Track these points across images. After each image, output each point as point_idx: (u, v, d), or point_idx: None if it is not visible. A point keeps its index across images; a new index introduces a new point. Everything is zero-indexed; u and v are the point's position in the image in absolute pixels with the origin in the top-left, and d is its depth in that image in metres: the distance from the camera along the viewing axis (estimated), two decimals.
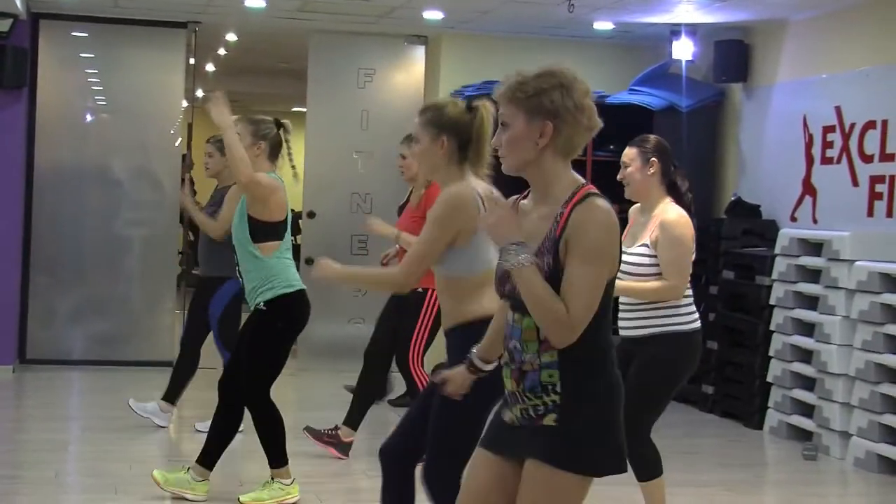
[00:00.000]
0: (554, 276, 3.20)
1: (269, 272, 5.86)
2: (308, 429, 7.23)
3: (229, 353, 7.59)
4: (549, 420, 3.25)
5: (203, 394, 8.13)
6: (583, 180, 3.33)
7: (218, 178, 7.88)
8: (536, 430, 3.27)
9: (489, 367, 3.78)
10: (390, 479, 4.46)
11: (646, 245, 5.33)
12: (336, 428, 7.24)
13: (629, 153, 5.50)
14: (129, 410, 7.98)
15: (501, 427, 3.42)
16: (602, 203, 3.24)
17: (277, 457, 6.05)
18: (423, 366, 7.13)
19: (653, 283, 5.29)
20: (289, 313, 5.93)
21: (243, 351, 5.98)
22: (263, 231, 5.87)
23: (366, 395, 7.38)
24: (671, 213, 5.36)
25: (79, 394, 9.67)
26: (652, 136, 5.59)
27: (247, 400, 6.00)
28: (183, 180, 8.49)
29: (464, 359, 3.86)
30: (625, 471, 3.34)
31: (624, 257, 5.34)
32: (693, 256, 5.42)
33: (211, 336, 7.77)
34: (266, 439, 6.05)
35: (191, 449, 7.58)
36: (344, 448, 7.17)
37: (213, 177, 7.93)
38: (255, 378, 5.95)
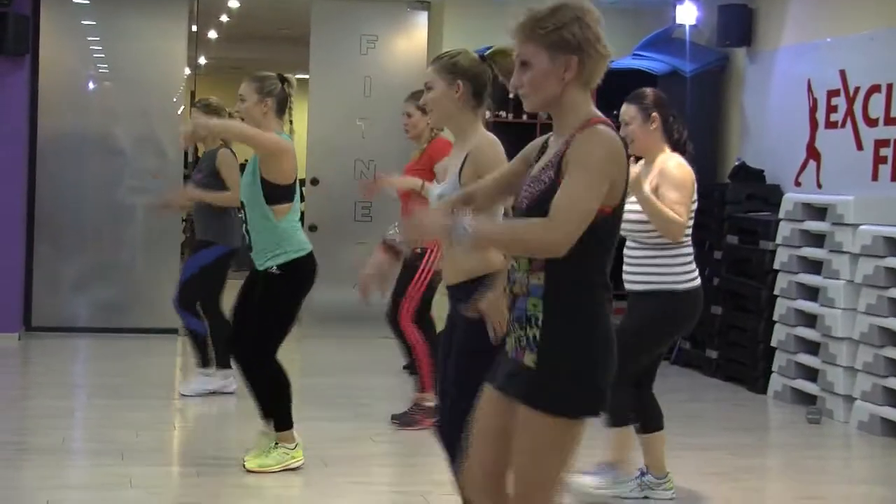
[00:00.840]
0: (552, 190, 3.18)
1: (281, 236, 5.87)
2: (396, 417, 7.17)
3: (189, 314, 7.67)
4: (529, 360, 3.24)
5: (188, 359, 8.10)
6: (599, 113, 3.31)
7: (203, 143, 7.95)
8: (519, 369, 3.27)
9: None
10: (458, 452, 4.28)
11: None
12: (416, 404, 7.18)
13: (629, 111, 5.55)
14: (134, 377, 8.04)
15: (502, 360, 3.42)
16: (606, 130, 3.22)
17: (283, 419, 6.06)
18: (413, 322, 7.13)
19: (665, 208, 5.32)
20: (301, 277, 5.94)
21: (254, 312, 6.00)
22: (277, 193, 5.86)
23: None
24: (671, 161, 5.46)
25: (84, 361, 9.70)
26: (648, 90, 5.65)
27: (255, 360, 6.02)
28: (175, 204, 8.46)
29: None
30: (598, 415, 3.32)
31: (626, 207, 5.41)
32: (695, 205, 5.49)
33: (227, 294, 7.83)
34: (273, 401, 6.06)
35: (195, 414, 7.61)
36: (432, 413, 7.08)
37: (199, 140, 7.98)
38: (265, 339, 5.97)
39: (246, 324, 6.04)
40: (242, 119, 6.05)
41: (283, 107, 6.02)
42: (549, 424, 3.21)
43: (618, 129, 3.38)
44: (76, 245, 10.49)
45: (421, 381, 7.21)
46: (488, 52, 4.38)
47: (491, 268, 4.11)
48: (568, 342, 3.22)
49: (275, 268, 5.87)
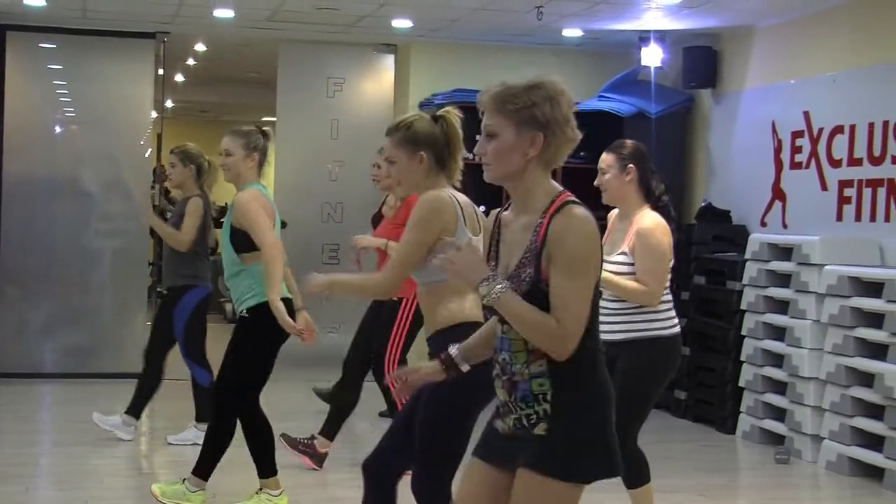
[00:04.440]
0: (536, 288, 3.21)
1: (252, 280, 5.86)
2: (284, 436, 7.17)
3: (197, 365, 7.59)
4: (540, 430, 3.26)
5: (173, 405, 8.09)
6: (560, 188, 3.33)
7: (182, 189, 7.90)
8: (529, 441, 3.27)
9: (465, 367, 3.67)
10: (373, 493, 4.45)
11: (624, 253, 5.32)
12: (313, 437, 7.21)
13: (606, 159, 5.46)
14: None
15: (495, 437, 3.42)
16: (580, 211, 3.25)
17: (266, 467, 6.04)
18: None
19: (632, 283, 5.27)
20: (270, 320, 5.78)
21: (228, 358, 5.97)
22: (243, 242, 5.86)
23: (343, 405, 7.36)
24: (648, 220, 5.34)
25: (50, 407, 9.60)
26: (629, 142, 5.56)
27: (234, 408, 5.98)
28: (154, 205, 8.23)
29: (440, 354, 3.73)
30: (618, 474, 3.32)
31: (604, 265, 5.33)
32: (671, 263, 5.40)
33: (177, 347, 7.73)
34: (255, 449, 6.04)
35: (162, 461, 7.55)
36: (319, 459, 7.15)
37: (177, 187, 7.95)
38: (240, 385, 5.95)
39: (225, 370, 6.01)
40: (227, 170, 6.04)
41: (263, 160, 6.08)
42: (558, 490, 3.22)
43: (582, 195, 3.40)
44: (42, 289, 10.42)
45: None
46: (438, 112, 4.40)
47: (467, 318, 4.18)
48: (578, 409, 3.24)
49: (244, 311, 5.86)
